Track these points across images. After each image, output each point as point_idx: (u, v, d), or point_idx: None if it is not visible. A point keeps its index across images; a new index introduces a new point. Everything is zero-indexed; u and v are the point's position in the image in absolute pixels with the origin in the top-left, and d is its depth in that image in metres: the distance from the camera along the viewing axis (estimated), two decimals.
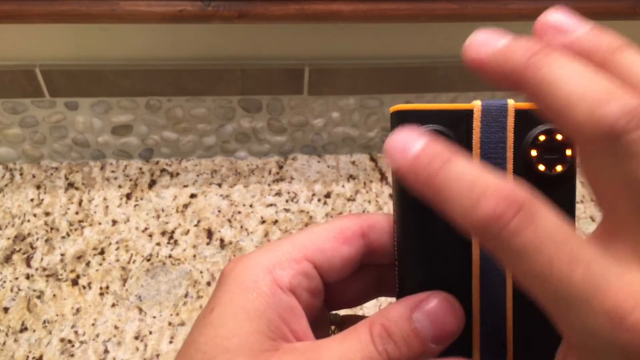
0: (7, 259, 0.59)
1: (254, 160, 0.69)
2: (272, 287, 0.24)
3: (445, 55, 0.61)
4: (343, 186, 0.67)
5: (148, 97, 0.62)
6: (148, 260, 0.60)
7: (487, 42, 0.20)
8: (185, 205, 0.64)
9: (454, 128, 0.24)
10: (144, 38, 0.58)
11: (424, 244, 0.24)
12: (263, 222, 0.63)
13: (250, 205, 0.64)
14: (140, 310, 0.56)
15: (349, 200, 0.65)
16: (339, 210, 0.64)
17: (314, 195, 0.66)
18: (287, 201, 0.65)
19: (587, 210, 0.66)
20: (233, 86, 0.61)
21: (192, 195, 0.65)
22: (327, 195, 0.66)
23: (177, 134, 0.66)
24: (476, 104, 0.24)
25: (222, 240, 0.61)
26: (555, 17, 0.20)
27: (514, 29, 0.67)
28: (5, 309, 0.56)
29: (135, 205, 0.64)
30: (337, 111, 0.65)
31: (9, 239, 0.60)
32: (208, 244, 0.61)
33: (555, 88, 0.18)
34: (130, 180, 0.66)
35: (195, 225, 0.62)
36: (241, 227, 0.62)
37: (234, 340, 0.23)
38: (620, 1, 0.54)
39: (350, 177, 0.68)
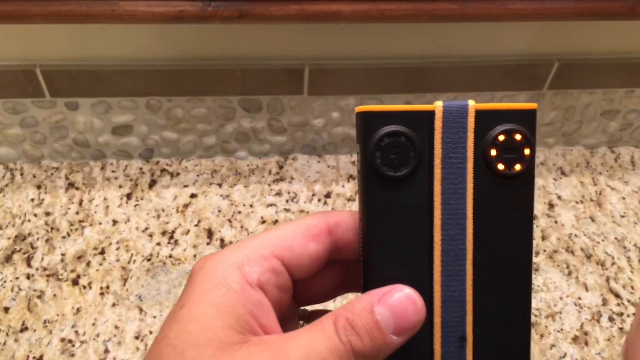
0: (8, 258, 0.59)
1: (254, 160, 0.69)
2: (241, 283, 0.24)
3: (445, 55, 0.62)
4: (343, 186, 0.67)
5: (148, 97, 0.62)
6: (148, 260, 0.60)
7: None
8: (186, 205, 0.64)
9: (416, 128, 0.24)
10: (144, 38, 0.58)
11: (388, 240, 0.25)
12: (263, 222, 0.63)
13: (251, 205, 0.64)
14: (141, 310, 0.56)
15: (349, 200, 0.65)
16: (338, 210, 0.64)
17: (314, 195, 0.66)
18: (287, 201, 0.65)
19: (587, 210, 0.66)
20: (233, 86, 0.61)
21: (193, 195, 0.65)
22: (327, 195, 0.66)
23: (177, 134, 0.66)
24: (437, 105, 0.24)
25: (222, 240, 0.61)
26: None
27: (514, 29, 0.67)
28: (6, 309, 0.56)
29: (136, 205, 0.64)
30: (337, 111, 0.65)
31: (9, 238, 0.61)
32: (208, 243, 0.61)
33: None
34: (131, 180, 0.66)
35: (196, 225, 0.62)
36: (241, 227, 0.63)
37: (203, 335, 0.23)
38: (620, 1, 0.54)
39: (350, 177, 0.68)
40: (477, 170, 0.24)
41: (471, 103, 0.24)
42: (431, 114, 0.24)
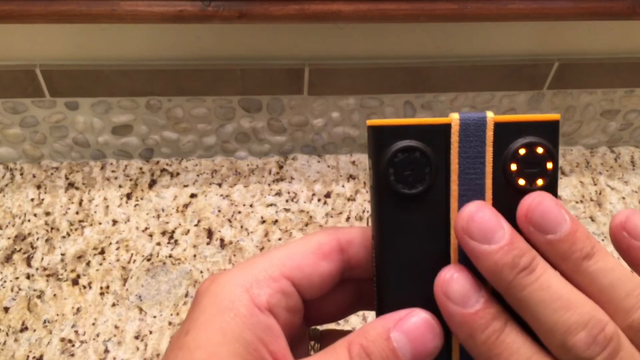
0: (8, 258, 0.59)
1: (254, 160, 0.69)
2: (249, 307, 0.23)
3: (445, 55, 0.62)
4: (343, 186, 0.67)
5: (148, 97, 0.62)
6: (148, 260, 0.60)
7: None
8: (186, 205, 0.64)
9: (431, 143, 0.23)
10: (144, 38, 0.58)
11: (403, 259, 0.24)
12: (263, 222, 0.63)
13: (251, 205, 0.64)
14: (141, 310, 0.56)
15: (349, 200, 0.65)
16: (339, 210, 0.64)
17: (314, 195, 0.66)
18: (287, 201, 0.65)
19: (587, 210, 0.66)
20: (233, 86, 0.61)
21: (192, 195, 0.65)
22: (327, 195, 0.66)
23: (177, 134, 0.66)
24: (454, 118, 0.23)
25: (222, 240, 0.61)
26: (538, 213, 0.22)
27: (513, 29, 0.66)
28: (6, 309, 0.56)
29: (136, 205, 0.64)
30: (337, 111, 0.65)
31: (9, 238, 0.61)
32: (208, 243, 0.61)
33: (534, 312, 0.21)
34: (131, 180, 0.66)
35: (196, 225, 0.62)
36: (241, 227, 0.63)
37: None
38: (620, 1, 0.54)
39: (350, 177, 0.68)
40: (496, 186, 0.23)
41: (489, 115, 0.23)
42: (447, 127, 0.23)
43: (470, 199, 0.23)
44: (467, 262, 0.23)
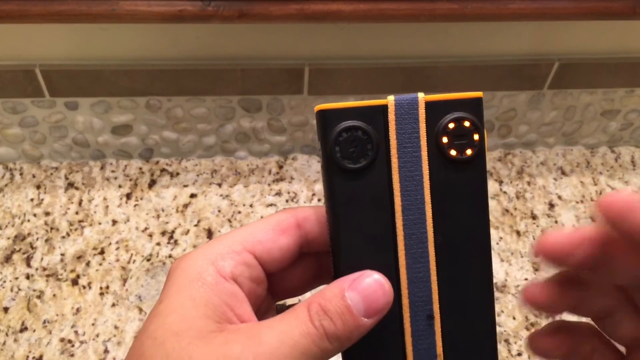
0: (7, 258, 0.59)
1: (254, 160, 0.69)
2: (215, 277, 0.26)
3: (445, 55, 0.61)
4: None
5: (148, 97, 0.62)
6: (148, 260, 0.60)
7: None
8: (185, 205, 0.64)
9: (371, 122, 0.26)
10: (144, 38, 0.58)
11: (353, 229, 0.26)
12: None
13: (251, 205, 0.64)
14: (140, 310, 0.56)
15: None
16: None
17: (314, 195, 0.66)
18: (287, 201, 0.65)
19: (587, 210, 0.66)
20: (233, 86, 0.61)
21: (192, 195, 0.65)
22: None
23: (177, 134, 0.66)
24: (390, 99, 0.26)
25: None
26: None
27: (513, 29, 0.66)
28: (5, 309, 0.56)
29: (135, 205, 0.64)
30: None
31: (9, 238, 0.61)
32: None
33: None
34: (130, 180, 0.66)
35: (195, 225, 0.62)
36: (241, 227, 0.62)
37: (182, 325, 0.24)
38: (620, 1, 0.54)
39: None
40: (431, 157, 0.26)
41: (420, 95, 0.26)
42: (384, 108, 0.26)
43: (409, 170, 0.26)
44: (411, 224, 0.26)
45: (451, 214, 0.26)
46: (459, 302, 0.27)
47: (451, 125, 0.26)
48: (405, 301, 0.26)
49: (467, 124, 0.26)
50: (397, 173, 0.26)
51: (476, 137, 0.26)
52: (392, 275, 0.26)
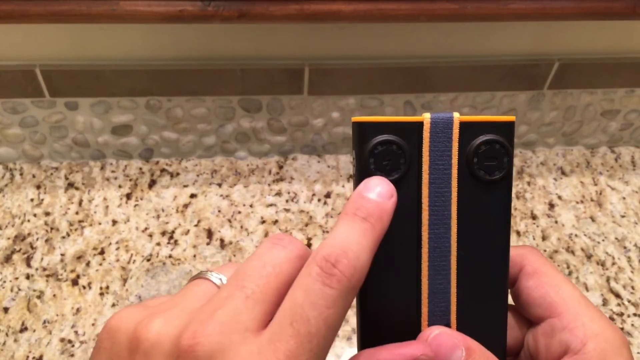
0: (7, 259, 0.59)
1: (254, 160, 0.69)
2: None
3: (445, 55, 0.61)
4: (343, 186, 0.67)
5: (148, 97, 0.62)
6: (148, 260, 0.59)
7: None
8: (185, 205, 0.64)
9: (406, 138, 0.27)
10: (144, 38, 0.58)
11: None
12: (263, 222, 0.63)
13: (251, 205, 0.64)
14: None
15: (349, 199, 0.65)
16: (338, 210, 0.64)
17: (314, 195, 0.66)
18: (287, 201, 0.65)
19: (587, 210, 0.66)
20: (233, 86, 0.61)
21: (192, 195, 0.65)
22: (327, 195, 0.66)
23: (177, 134, 0.66)
24: (426, 117, 0.27)
25: (222, 240, 0.61)
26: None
27: (513, 29, 0.66)
28: (5, 309, 0.56)
29: (135, 205, 0.64)
30: (337, 111, 0.65)
31: (9, 239, 0.60)
32: (208, 244, 0.61)
33: None
34: (130, 180, 0.66)
35: (195, 225, 0.62)
36: (241, 227, 0.62)
37: None
38: (620, 1, 0.54)
39: (351, 177, 0.67)
40: (461, 176, 0.27)
41: (456, 115, 0.27)
42: (420, 125, 0.27)
43: (438, 186, 0.27)
44: (436, 238, 0.27)
45: (475, 231, 0.27)
46: (474, 316, 0.28)
47: (483, 147, 0.27)
48: (424, 309, 0.27)
49: (497, 146, 0.27)
50: (427, 188, 0.27)
51: (505, 160, 0.27)
52: (414, 285, 0.27)
